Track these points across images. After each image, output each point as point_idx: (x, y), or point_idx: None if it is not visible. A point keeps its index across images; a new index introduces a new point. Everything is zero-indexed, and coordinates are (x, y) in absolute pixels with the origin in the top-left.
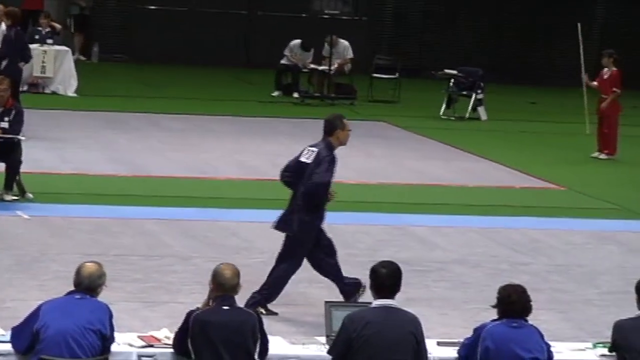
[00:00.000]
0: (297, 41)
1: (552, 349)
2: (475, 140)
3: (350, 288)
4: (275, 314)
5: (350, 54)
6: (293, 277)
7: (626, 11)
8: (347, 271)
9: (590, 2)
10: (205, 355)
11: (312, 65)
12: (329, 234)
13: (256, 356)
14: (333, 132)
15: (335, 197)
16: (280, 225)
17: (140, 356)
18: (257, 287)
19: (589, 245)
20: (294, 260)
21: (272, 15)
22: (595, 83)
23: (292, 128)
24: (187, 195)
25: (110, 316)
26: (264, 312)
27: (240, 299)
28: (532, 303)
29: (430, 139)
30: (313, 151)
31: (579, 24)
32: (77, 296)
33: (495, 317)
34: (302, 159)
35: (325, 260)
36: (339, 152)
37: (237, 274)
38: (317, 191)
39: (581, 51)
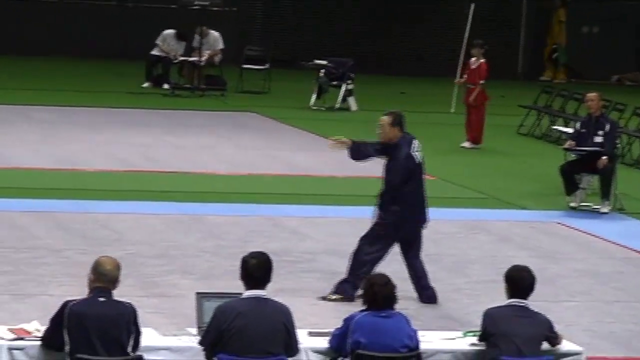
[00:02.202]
0: (171, 31)
1: (423, 337)
2: (345, 130)
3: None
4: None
5: (220, 45)
6: (168, 268)
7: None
8: (217, 263)
9: None
10: (80, 347)
11: (182, 58)
12: (199, 225)
13: (129, 349)
14: None
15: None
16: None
17: (10, 349)
18: (130, 279)
19: (459, 234)
20: None
21: (142, 6)
22: (465, 77)
23: (162, 120)
24: (58, 187)
25: None
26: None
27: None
28: (402, 292)
29: (300, 130)
30: (419, 147)
31: (472, 4)
32: None
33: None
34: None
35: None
36: (208, 142)
37: (118, 267)
38: None
39: (466, 34)
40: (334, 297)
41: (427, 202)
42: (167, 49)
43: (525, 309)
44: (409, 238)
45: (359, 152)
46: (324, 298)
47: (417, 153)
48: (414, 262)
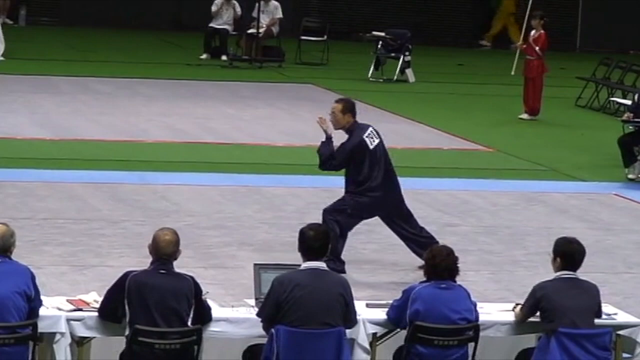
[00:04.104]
0: None
1: (480, 309)
2: (403, 102)
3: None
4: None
5: (279, 14)
6: (226, 239)
7: None
8: (275, 234)
9: None
10: (139, 317)
11: (238, 17)
12: (257, 196)
13: (189, 322)
14: None
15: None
16: None
17: (69, 320)
18: (188, 250)
19: (517, 206)
20: None
21: None
22: (524, 46)
23: (220, 91)
24: (116, 159)
25: (33, 278)
26: None
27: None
28: (460, 264)
29: (358, 101)
30: (375, 134)
31: None
32: None
33: (424, 278)
34: (373, 147)
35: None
36: (266, 113)
37: (175, 242)
38: None
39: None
40: None
41: (394, 186)
42: (221, 12)
43: (577, 279)
44: (389, 213)
45: (327, 147)
46: None
47: (371, 139)
48: (405, 224)
